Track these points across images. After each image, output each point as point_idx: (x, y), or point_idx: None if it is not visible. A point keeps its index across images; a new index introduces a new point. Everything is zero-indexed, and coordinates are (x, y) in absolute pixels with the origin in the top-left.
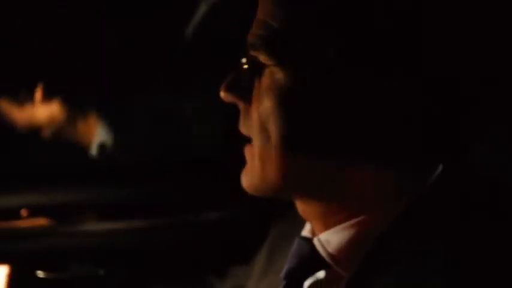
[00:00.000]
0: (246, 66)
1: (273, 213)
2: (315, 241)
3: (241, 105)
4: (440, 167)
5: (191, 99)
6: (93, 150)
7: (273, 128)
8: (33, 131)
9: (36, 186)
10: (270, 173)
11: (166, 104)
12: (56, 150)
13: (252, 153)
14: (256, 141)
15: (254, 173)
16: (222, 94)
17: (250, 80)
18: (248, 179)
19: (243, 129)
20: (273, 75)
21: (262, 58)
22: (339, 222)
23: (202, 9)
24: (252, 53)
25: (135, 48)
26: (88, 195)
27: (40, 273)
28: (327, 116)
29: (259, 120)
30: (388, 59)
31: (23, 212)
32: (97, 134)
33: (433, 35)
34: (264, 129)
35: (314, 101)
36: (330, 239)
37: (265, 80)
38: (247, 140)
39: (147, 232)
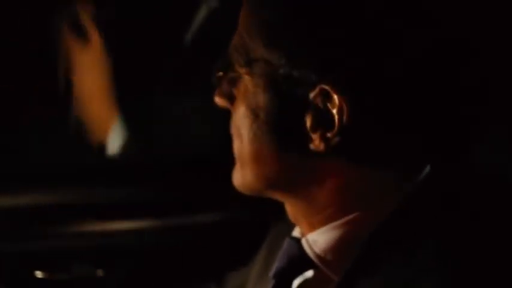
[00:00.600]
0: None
1: (272, 215)
2: (303, 241)
3: (229, 108)
4: (428, 168)
5: (191, 99)
6: (109, 147)
7: (244, 132)
8: (31, 131)
9: (33, 186)
10: (247, 173)
11: (166, 104)
12: (52, 149)
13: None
14: (235, 143)
15: (237, 173)
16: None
17: (231, 86)
18: (235, 178)
19: (231, 130)
20: (244, 81)
21: (236, 66)
22: (325, 223)
23: (203, 12)
24: (231, 60)
25: (137, 50)
26: (86, 195)
27: (39, 274)
28: (295, 118)
29: (234, 123)
30: (367, 59)
31: None
32: (113, 131)
33: (420, 34)
34: (238, 133)
35: (281, 108)
36: (317, 239)
37: (240, 86)
38: None
39: (146, 233)
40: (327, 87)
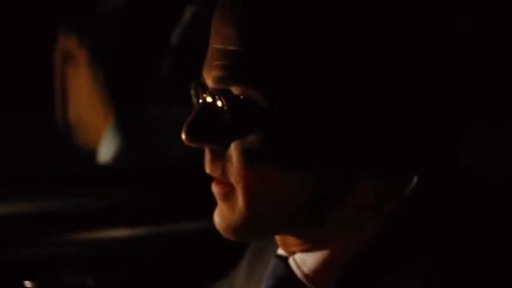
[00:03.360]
0: (209, 102)
1: None
2: (291, 261)
3: (211, 148)
4: (416, 179)
5: (183, 105)
6: (101, 154)
7: (263, 165)
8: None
9: (21, 194)
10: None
11: (159, 110)
12: (41, 156)
13: (230, 194)
14: (243, 183)
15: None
16: (186, 140)
17: (220, 118)
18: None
19: (213, 172)
20: (255, 105)
21: (237, 90)
22: (316, 244)
23: (186, 17)
24: (220, 87)
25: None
26: (76, 203)
27: (28, 284)
28: (322, 139)
29: (244, 159)
30: (373, 72)
31: None
32: (106, 138)
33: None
34: (251, 167)
35: (308, 125)
36: (306, 259)
37: (247, 114)
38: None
39: (137, 241)
40: None
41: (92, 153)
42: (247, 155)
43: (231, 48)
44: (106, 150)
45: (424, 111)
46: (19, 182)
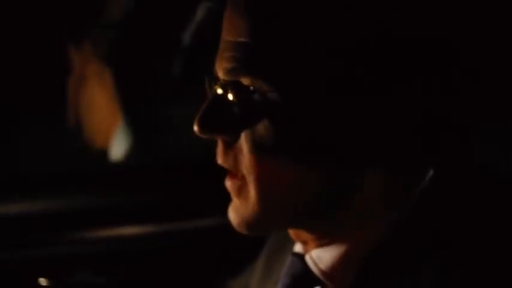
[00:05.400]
0: (220, 94)
1: None
2: (307, 258)
3: (223, 139)
4: (431, 172)
5: (192, 105)
6: (112, 153)
7: (272, 156)
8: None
9: (33, 193)
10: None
11: (169, 109)
12: (53, 156)
13: (243, 188)
14: (254, 174)
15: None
16: (198, 132)
17: (230, 109)
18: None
19: (225, 162)
20: (265, 96)
21: (247, 82)
22: (332, 239)
23: (199, 16)
24: (231, 78)
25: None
26: (88, 201)
27: (42, 281)
28: (331, 131)
29: (255, 150)
30: (388, 70)
31: None
32: (117, 137)
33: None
34: (261, 158)
35: (317, 117)
36: (322, 256)
37: (257, 105)
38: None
39: (148, 238)
40: None
41: (103, 152)
42: (257, 146)
43: (242, 40)
44: (117, 149)
45: (427, 107)
46: (31, 182)
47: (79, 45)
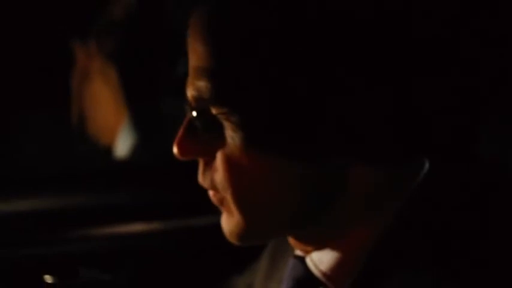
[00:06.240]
0: (193, 117)
1: None
2: (308, 261)
3: (202, 160)
4: (427, 165)
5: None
6: (118, 150)
7: (247, 173)
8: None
9: (39, 191)
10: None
11: (173, 107)
12: (57, 153)
13: (224, 202)
14: (229, 190)
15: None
16: (178, 155)
17: (205, 131)
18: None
19: (203, 182)
20: (232, 122)
21: (214, 110)
22: (328, 241)
23: None
24: (198, 106)
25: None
26: (93, 199)
27: (48, 279)
28: (305, 138)
29: (229, 169)
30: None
31: None
32: (122, 134)
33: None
34: (235, 176)
35: (280, 133)
36: (321, 258)
37: (226, 130)
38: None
39: (153, 236)
40: None
41: (109, 149)
42: (229, 164)
43: (202, 65)
44: (122, 147)
45: (405, 100)
46: (36, 180)
47: (84, 43)
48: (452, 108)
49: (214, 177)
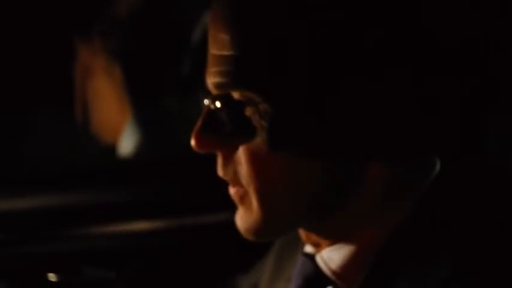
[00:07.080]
0: (213, 108)
1: None
2: (318, 259)
3: (221, 153)
4: (437, 166)
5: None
6: (122, 148)
7: (271, 165)
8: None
9: (43, 189)
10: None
11: (177, 105)
12: (62, 152)
13: (245, 197)
14: (254, 184)
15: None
16: (196, 148)
17: (224, 124)
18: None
19: (225, 175)
20: (257, 107)
21: (237, 95)
22: (340, 239)
23: (206, 15)
24: (220, 93)
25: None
26: (98, 197)
27: (52, 277)
28: (327, 130)
29: (253, 161)
30: (381, 64)
31: None
32: (126, 132)
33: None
34: (259, 168)
35: (311, 119)
36: (332, 256)
37: (250, 117)
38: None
39: (157, 234)
40: None
41: (112, 148)
42: (254, 157)
43: (226, 53)
44: (126, 145)
45: (422, 98)
46: (40, 178)
47: (88, 41)
48: (463, 107)
49: (238, 170)
